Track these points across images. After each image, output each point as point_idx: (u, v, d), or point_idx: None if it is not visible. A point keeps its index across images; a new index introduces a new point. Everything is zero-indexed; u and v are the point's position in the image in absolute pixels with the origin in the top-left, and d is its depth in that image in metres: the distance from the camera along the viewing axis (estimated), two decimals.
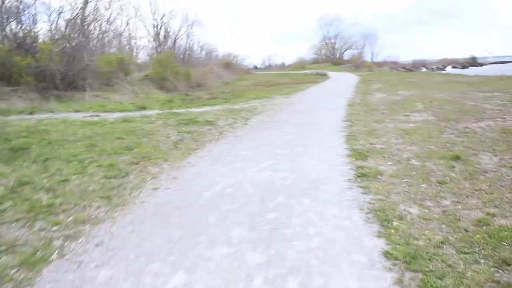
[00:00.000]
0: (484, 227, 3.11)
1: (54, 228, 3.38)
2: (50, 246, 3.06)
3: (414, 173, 4.75)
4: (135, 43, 36.67)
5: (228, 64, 44.44)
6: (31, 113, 10.69)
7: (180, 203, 3.92)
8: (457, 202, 3.75)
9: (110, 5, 22.99)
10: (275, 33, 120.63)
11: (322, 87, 22.24)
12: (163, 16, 34.48)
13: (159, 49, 34.05)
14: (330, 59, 69.93)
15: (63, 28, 18.93)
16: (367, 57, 66.50)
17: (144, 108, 12.24)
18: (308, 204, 3.76)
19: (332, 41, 71.58)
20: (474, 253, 2.71)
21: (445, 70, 53.79)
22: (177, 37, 37.28)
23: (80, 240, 3.16)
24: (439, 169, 4.85)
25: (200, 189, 4.34)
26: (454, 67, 63.10)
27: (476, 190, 4.04)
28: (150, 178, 4.86)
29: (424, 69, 55.74)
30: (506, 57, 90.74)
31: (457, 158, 5.28)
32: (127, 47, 34.85)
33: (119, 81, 20.46)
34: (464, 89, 16.11)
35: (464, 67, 63.31)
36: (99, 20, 24.71)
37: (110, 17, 26.22)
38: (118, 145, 6.72)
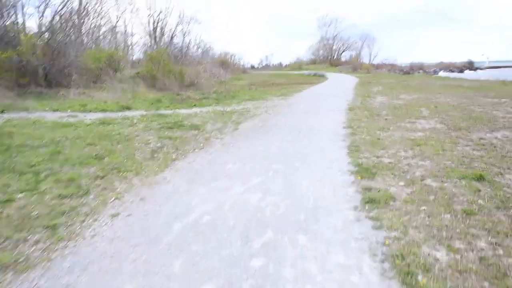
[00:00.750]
0: None
1: None
2: None
3: (433, 197, 3.92)
4: (130, 39, 35.62)
5: (224, 63, 43.49)
6: (2, 112, 9.77)
7: (141, 239, 3.06)
8: (496, 244, 2.92)
9: None
10: (274, 32, 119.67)
11: (320, 89, 21.42)
12: (160, 12, 33.55)
13: (154, 46, 33.14)
14: (327, 60, 69.23)
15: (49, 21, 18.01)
16: (365, 59, 65.91)
17: (128, 108, 11.35)
18: (304, 244, 2.91)
19: (330, 41, 70.92)
20: None
21: (437, 74, 53.08)
22: (174, 34, 36.36)
23: None
24: (462, 193, 4.03)
25: (170, 218, 3.48)
26: (451, 70, 62.59)
27: None
28: (113, 199, 4.00)
29: (418, 72, 55.00)
30: (503, 62, 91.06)
31: (481, 178, 4.46)
32: (122, 43, 33.93)
33: (108, 79, 19.58)
34: (468, 94, 15.36)
35: (461, 71, 62.84)
36: (89, 14, 23.83)
37: (101, 11, 25.32)
38: (87, 153, 5.85)
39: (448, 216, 3.47)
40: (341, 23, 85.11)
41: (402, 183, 4.40)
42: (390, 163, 5.28)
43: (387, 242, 2.94)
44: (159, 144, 6.56)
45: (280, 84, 25.27)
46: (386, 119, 9.29)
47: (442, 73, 54.60)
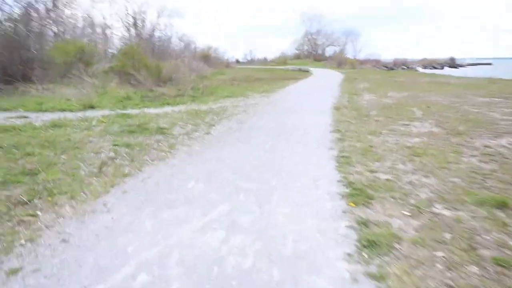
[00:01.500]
0: None
1: None
2: None
3: (449, 236, 2.99)
4: (110, 32, 34.00)
5: (207, 57, 42.36)
6: None
7: None
8: None
9: None
10: (258, 26, 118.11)
11: (304, 85, 20.49)
12: (141, 4, 32.15)
13: (135, 40, 31.65)
14: (312, 54, 68.62)
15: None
16: (349, 54, 65.41)
17: (92, 107, 10.16)
18: None
19: (314, 36, 70.21)
20: None
21: (417, 70, 52.98)
22: (155, 27, 34.96)
23: None
24: (485, 229, 3.11)
25: (92, 275, 2.44)
26: (434, 67, 62.70)
27: None
28: (23, 241, 2.93)
29: (402, 68, 54.61)
30: (482, 59, 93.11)
31: (503, 205, 3.56)
32: (100, 36, 32.26)
33: (78, 73, 18.27)
34: (458, 92, 14.67)
35: (442, 67, 62.88)
36: (57, 3, 22.36)
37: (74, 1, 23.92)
38: (20, 166, 4.74)
39: (476, 269, 2.54)
40: (324, 18, 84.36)
41: (406, 212, 3.46)
42: (388, 180, 4.34)
43: None
44: (112, 154, 5.47)
45: (263, 79, 24.27)
46: (376, 120, 8.40)
47: (420, 69, 54.49)
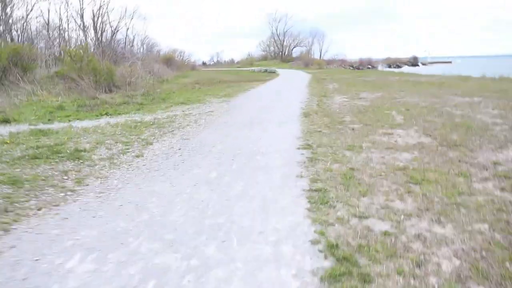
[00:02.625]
0: None
1: None
2: None
3: None
4: (67, 34, 31.22)
5: (170, 60, 40.35)
6: None
7: None
8: None
9: None
10: (225, 28, 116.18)
11: (270, 87, 19.03)
12: (100, 7, 29.70)
13: (96, 43, 29.26)
14: (279, 56, 67.70)
15: None
16: (316, 55, 64.92)
17: (6, 121, 8.19)
18: None
19: (281, 38, 69.34)
20: None
21: (376, 68, 54.01)
22: (116, 30, 32.56)
23: None
24: None
25: None
26: (398, 66, 63.52)
27: None
28: None
29: (367, 68, 54.80)
30: (443, 57, 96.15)
31: None
32: (58, 39, 29.61)
33: (15, 80, 16.06)
34: (433, 92, 13.61)
35: (398, 66, 63.37)
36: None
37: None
38: None
39: None
40: (290, 19, 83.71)
41: None
42: (386, 234, 2.85)
43: None
44: None
45: (227, 82, 22.69)
46: (353, 129, 6.99)
47: (382, 68, 55.12)
